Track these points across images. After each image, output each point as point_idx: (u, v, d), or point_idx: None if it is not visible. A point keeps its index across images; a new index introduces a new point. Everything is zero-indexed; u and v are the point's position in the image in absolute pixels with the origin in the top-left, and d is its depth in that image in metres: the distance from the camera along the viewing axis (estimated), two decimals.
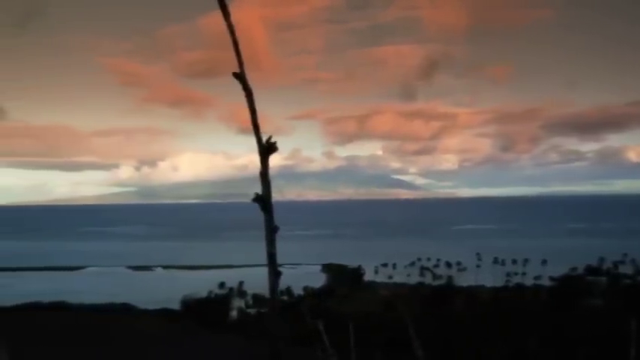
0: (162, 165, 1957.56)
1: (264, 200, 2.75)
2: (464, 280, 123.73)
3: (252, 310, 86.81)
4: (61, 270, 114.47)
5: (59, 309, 46.76)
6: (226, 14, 2.68)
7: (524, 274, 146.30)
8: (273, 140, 2.80)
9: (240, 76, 2.69)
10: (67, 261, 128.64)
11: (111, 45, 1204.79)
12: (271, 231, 2.79)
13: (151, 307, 52.23)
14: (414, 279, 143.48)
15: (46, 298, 54.93)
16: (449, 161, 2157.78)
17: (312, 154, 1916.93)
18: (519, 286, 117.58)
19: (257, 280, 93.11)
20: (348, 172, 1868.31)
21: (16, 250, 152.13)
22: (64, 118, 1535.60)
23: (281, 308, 2.89)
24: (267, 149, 2.81)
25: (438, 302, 64.02)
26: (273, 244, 2.82)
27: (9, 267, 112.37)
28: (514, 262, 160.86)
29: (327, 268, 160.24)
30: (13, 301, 48.03)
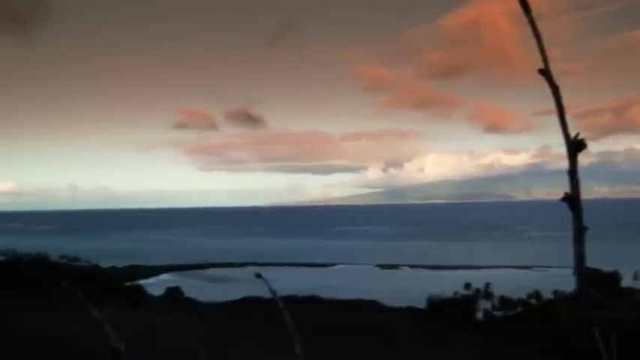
0: (409, 166, 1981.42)
1: (572, 199, 2.65)
2: None
3: (498, 313, 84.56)
4: (314, 266, 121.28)
5: (313, 302, 49.50)
6: (527, 9, 2.63)
7: None
8: (580, 137, 2.68)
9: (546, 72, 2.63)
10: (319, 258, 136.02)
11: (358, 52, 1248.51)
12: (580, 231, 2.68)
13: (397, 304, 52.99)
14: None
15: (302, 292, 58.22)
16: None
17: (563, 150, 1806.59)
18: None
19: (504, 282, 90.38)
20: (602, 169, 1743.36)
21: (276, 248, 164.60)
22: (317, 124, 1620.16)
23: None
24: (576, 146, 2.70)
25: None
26: (582, 244, 2.70)
27: (275, 262, 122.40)
28: None
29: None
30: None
